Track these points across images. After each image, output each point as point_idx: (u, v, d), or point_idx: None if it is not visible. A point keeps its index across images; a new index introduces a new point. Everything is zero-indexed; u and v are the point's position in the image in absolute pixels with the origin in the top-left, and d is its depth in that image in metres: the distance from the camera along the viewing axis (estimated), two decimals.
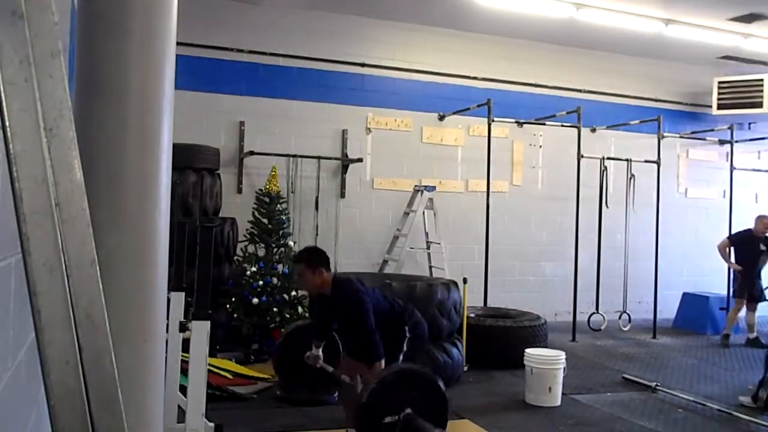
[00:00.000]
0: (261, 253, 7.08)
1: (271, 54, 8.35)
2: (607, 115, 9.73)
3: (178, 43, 2.22)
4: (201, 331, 3.30)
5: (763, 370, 5.75)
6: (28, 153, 0.96)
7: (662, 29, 8.49)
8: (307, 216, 8.32)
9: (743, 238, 8.49)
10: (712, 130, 9.79)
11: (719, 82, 10.07)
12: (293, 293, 6.84)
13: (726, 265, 9.26)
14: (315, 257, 4.17)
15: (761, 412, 5.45)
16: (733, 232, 8.94)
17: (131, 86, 2.03)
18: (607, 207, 8.73)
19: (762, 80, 9.77)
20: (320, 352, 4.35)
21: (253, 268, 6.75)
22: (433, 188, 8.55)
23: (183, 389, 3.67)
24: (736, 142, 9.62)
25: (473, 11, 8.15)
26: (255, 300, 6.57)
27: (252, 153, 8.14)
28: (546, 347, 6.36)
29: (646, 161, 8.97)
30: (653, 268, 8.86)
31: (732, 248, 8.62)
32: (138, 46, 2.04)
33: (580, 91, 9.73)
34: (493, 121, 8.20)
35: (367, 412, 3.69)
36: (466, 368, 6.29)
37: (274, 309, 6.65)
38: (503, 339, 6.72)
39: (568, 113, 8.56)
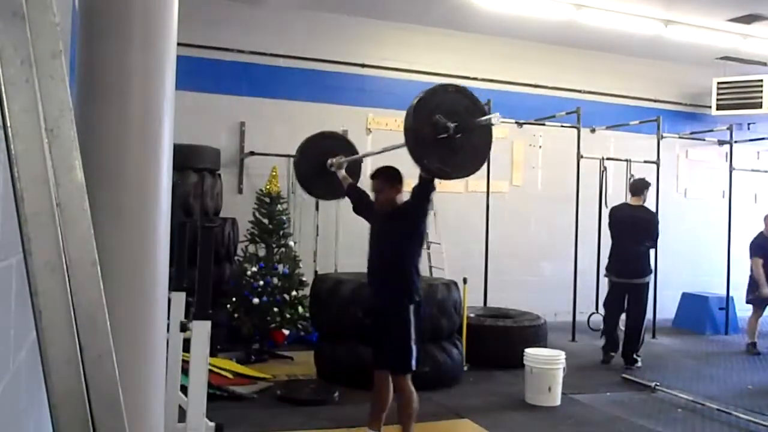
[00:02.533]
0: (261, 253, 7.08)
1: (271, 54, 8.35)
2: (606, 115, 9.73)
3: (178, 44, 2.22)
4: (202, 330, 3.30)
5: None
6: (29, 153, 0.97)
7: (662, 30, 8.50)
8: (307, 216, 8.32)
9: (760, 244, 8.14)
10: (712, 130, 9.78)
11: (718, 83, 10.07)
12: (293, 293, 6.85)
13: (725, 265, 9.26)
14: (397, 177, 4.32)
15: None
16: (749, 241, 8.52)
17: (132, 87, 2.03)
18: (607, 207, 8.69)
19: (761, 81, 9.77)
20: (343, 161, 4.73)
21: (254, 268, 6.75)
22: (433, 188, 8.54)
23: (184, 389, 3.67)
24: (736, 142, 9.61)
25: (473, 12, 8.15)
26: (255, 300, 6.58)
27: (252, 153, 8.14)
28: (546, 347, 6.36)
29: (646, 162, 8.96)
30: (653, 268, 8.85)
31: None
32: (139, 46, 2.04)
33: (579, 91, 9.73)
34: None
35: (420, 109, 3.71)
36: (466, 368, 6.29)
37: (275, 309, 6.65)
38: (503, 339, 6.72)
39: (567, 114, 8.56)
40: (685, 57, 9.88)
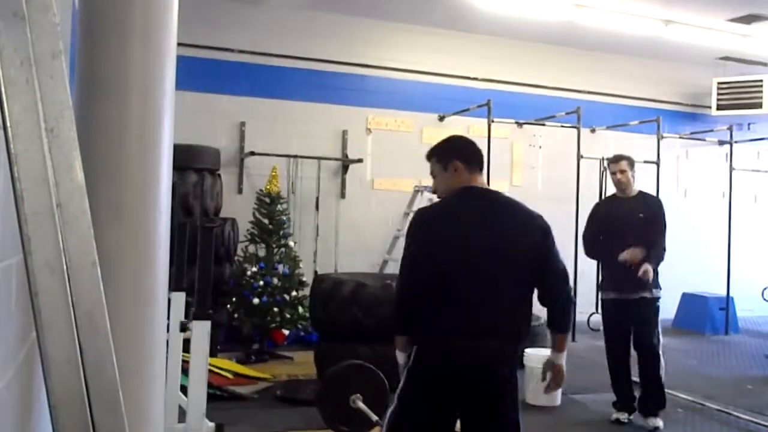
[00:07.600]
0: (261, 253, 7.08)
1: (272, 54, 8.35)
2: (606, 115, 9.72)
3: (178, 44, 2.22)
4: (202, 331, 3.31)
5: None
6: (29, 153, 0.97)
7: (662, 30, 8.49)
8: (307, 216, 8.32)
9: None
10: (712, 130, 9.78)
11: (718, 83, 10.07)
12: (293, 293, 6.85)
13: (725, 265, 9.25)
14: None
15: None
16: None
17: (132, 87, 2.03)
18: None
19: (761, 81, 9.77)
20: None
21: (254, 269, 6.75)
22: None
23: (184, 389, 3.67)
24: (736, 142, 9.61)
25: (473, 12, 8.15)
26: (255, 300, 6.58)
27: (252, 153, 8.14)
28: (546, 347, 6.34)
29: (646, 162, 8.95)
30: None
31: None
32: (139, 46, 2.04)
33: (579, 91, 9.73)
34: (492, 121, 8.19)
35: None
36: None
37: (275, 309, 6.65)
38: None
39: (567, 114, 8.56)
40: (685, 57, 9.88)
